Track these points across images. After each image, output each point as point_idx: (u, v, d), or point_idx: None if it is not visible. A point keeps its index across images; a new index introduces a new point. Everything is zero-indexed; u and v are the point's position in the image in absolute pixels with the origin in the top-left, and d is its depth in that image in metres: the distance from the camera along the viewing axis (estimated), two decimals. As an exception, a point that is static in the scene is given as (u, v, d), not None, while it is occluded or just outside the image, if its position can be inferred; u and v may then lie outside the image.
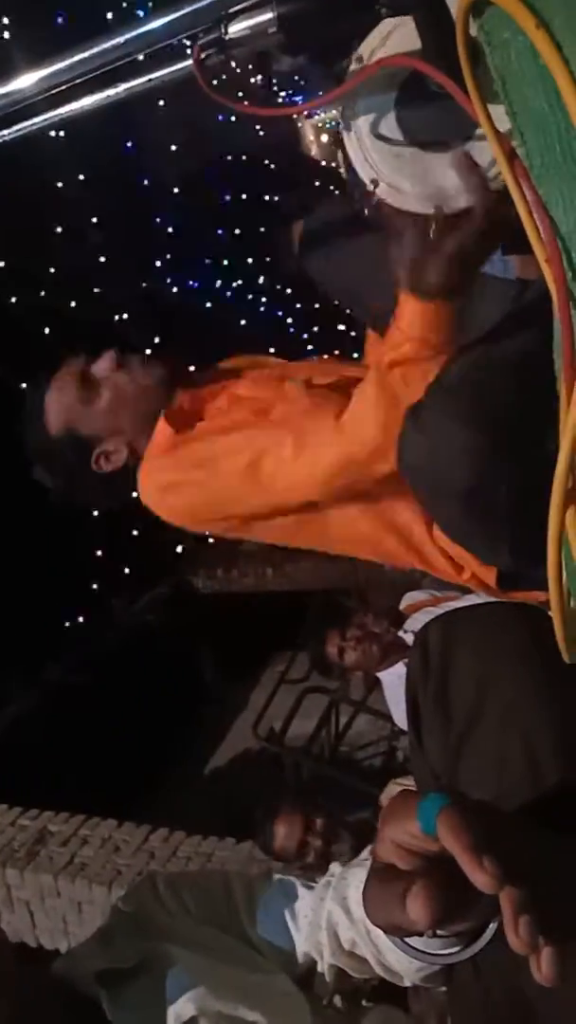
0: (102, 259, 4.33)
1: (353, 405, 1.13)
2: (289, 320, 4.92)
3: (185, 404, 1.37)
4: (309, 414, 1.18)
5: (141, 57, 0.91)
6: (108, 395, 1.38)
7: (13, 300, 4.04)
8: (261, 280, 4.84)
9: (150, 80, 1.00)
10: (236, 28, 0.86)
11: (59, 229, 4.18)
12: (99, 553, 4.34)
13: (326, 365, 1.41)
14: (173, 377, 1.41)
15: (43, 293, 4.15)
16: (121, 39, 0.87)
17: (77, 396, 1.39)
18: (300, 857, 2.21)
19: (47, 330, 4.06)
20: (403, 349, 1.04)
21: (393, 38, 0.86)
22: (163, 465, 1.32)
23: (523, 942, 0.47)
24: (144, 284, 4.62)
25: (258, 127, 4.47)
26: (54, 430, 1.41)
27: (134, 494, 1.41)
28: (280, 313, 4.92)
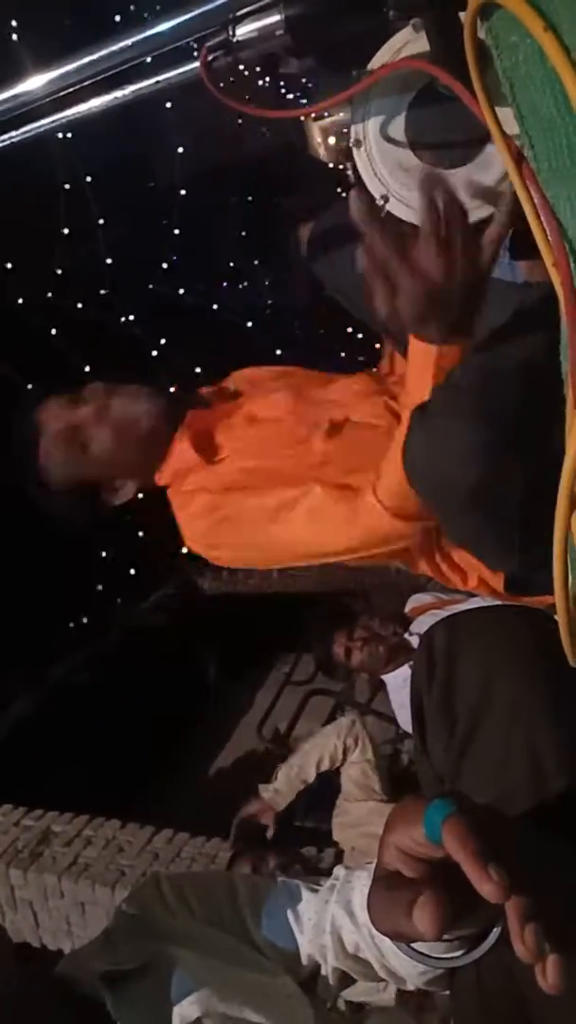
0: (108, 260, 4.34)
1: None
2: (295, 323, 4.92)
3: (198, 425, 1.35)
4: (334, 496, 1.18)
5: (149, 59, 0.91)
6: (104, 436, 1.34)
7: (20, 301, 4.05)
8: (267, 282, 4.84)
9: (157, 82, 1.00)
10: (244, 30, 0.87)
11: (66, 230, 4.19)
12: (104, 554, 4.34)
13: (343, 385, 1.39)
14: (172, 402, 1.39)
15: (49, 294, 4.15)
16: (129, 42, 0.88)
17: (67, 452, 1.35)
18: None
19: (53, 331, 4.07)
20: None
21: (404, 55, 0.86)
22: (201, 528, 1.31)
23: (529, 950, 0.47)
24: (150, 286, 4.62)
25: (265, 129, 4.47)
26: (55, 485, 1.38)
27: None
28: (286, 316, 4.91)
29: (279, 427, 1.30)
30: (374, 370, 1.50)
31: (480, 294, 0.91)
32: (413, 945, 0.61)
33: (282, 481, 1.24)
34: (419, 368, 0.99)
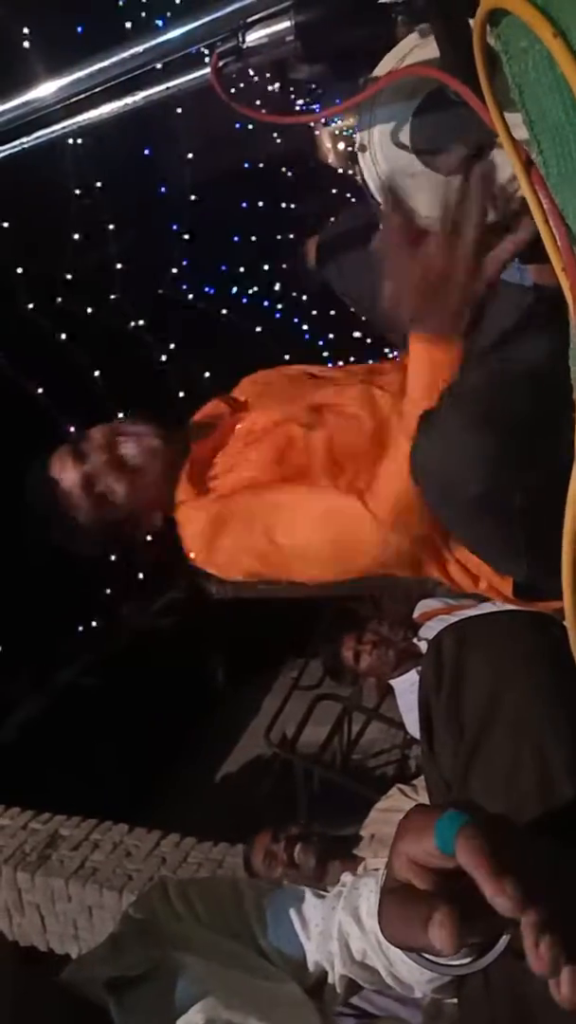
0: (119, 265, 4.36)
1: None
2: (305, 327, 4.92)
3: (200, 453, 1.38)
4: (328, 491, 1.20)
5: (159, 65, 0.92)
6: (121, 483, 1.37)
7: (30, 306, 4.07)
8: (277, 287, 4.84)
9: (168, 88, 1.01)
10: (253, 37, 0.87)
11: (76, 236, 4.21)
12: (112, 557, 4.35)
13: (342, 383, 1.40)
14: (175, 432, 1.42)
15: (59, 299, 4.17)
16: (140, 48, 0.88)
17: (89, 504, 1.38)
18: (268, 869, 2.22)
19: (63, 336, 4.09)
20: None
21: (410, 60, 0.86)
22: (202, 545, 1.32)
23: (545, 964, 0.47)
24: (160, 291, 4.64)
25: (275, 135, 4.48)
26: (85, 533, 1.41)
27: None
28: (296, 320, 4.92)
29: (271, 436, 1.31)
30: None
31: (474, 295, 0.92)
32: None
33: (280, 486, 1.25)
34: (421, 373, 1.00)
